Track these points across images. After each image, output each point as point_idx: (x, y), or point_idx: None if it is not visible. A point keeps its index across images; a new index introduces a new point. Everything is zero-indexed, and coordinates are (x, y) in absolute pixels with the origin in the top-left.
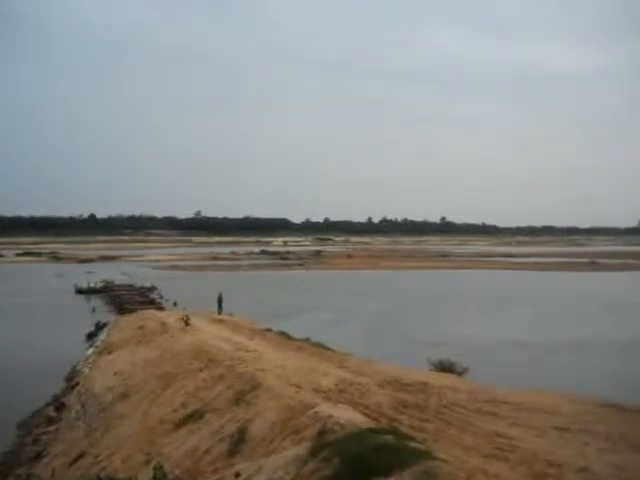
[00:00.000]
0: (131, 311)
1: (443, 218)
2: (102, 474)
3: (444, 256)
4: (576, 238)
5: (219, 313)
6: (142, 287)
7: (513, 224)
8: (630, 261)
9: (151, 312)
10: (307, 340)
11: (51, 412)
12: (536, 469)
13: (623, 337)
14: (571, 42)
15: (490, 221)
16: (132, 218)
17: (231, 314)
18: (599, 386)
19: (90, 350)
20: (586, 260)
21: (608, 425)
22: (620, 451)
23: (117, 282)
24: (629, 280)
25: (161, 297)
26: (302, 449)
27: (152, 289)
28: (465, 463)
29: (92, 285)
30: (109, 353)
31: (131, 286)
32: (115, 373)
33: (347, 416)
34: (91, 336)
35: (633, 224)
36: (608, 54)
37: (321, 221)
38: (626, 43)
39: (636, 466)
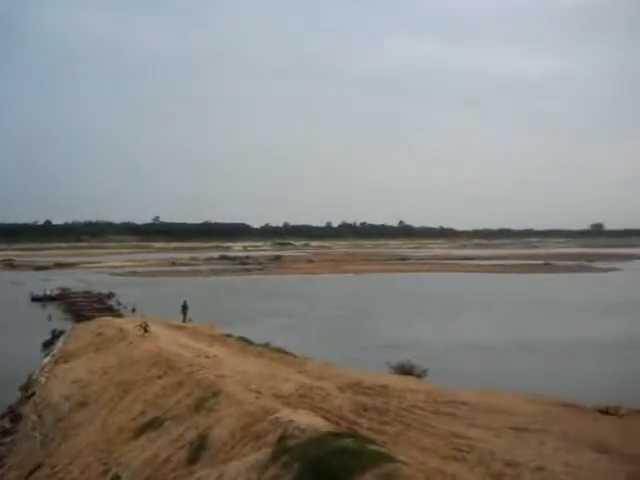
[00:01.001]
0: (88, 318)
1: (401, 222)
2: None
3: (403, 259)
4: (531, 241)
5: (184, 321)
6: (100, 294)
7: (470, 227)
8: (583, 262)
9: (109, 319)
10: (267, 345)
11: (6, 423)
12: (494, 469)
13: (569, 338)
14: (524, 49)
15: (447, 224)
16: (89, 224)
17: (190, 320)
18: (545, 385)
19: (46, 359)
20: (541, 262)
21: (564, 424)
22: (576, 450)
23: (74, 289)
24: (581, 281)
25: (119, 304)
26: (263, 455)
27: (110, 296)
28: (424, 465)
29: (48, 293)
30: (66, 361)
31: (88, 293)
32: (72, 382)
33: (308, 421)
34: (47, 345)
35: (586, 227)
36: (561, 60)
37: (280, 226)
38: (576, 50)
39: (591, 464)
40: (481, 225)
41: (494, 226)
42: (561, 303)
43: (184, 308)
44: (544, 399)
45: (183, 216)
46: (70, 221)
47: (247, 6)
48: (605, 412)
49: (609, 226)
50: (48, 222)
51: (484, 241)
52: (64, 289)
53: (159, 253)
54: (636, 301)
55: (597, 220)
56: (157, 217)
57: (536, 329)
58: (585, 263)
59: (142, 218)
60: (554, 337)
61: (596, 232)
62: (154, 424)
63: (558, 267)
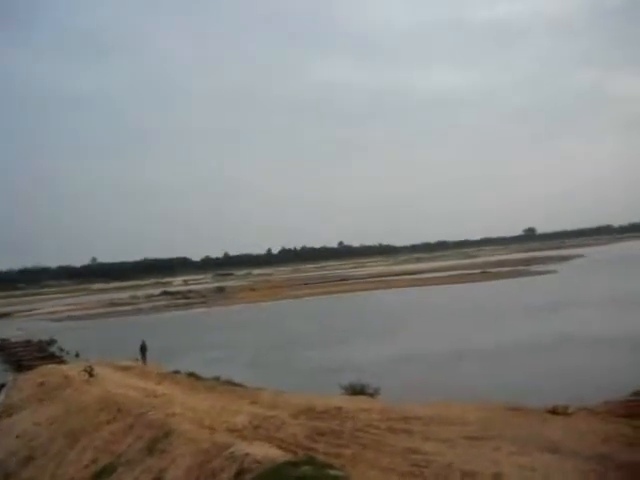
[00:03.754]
0: (30, 368)
1: (340, 242)
2: None
3: (343, 280)
4: (468, 251)
5: (143, 361)
6: (40, 341)
7: (408, 242)
8: (519, 267)
9: (52, 367)
10: (217, 379)
11: None
12: None
13: (496, 343)
14: (444, 64)
15: (386, 241)
16: (24, 271)
17: (136, 360)
18: (488, 391)
19: None
20: (478, 271)
21: (515, 429)
22: (529, 453)
23: (13, 339)
24: (516, 286)
25: (61, 350)
26: None
27: (51, 342)
28: None
29: None
30: (9, 415)
31: (28, 342)
32: (17, 436)
33: (263, 452)
34: None
35: (519, 232)
36: (479, 73)
37: (221, 257)
38: (492, 63)
39: (545, 466)
40: (419, 239)
41: (431, 239)
42: (489, 310)
43: (142, 348)
44: (493, 406)
45: (121, 254)
46: (3, 269)
47: (164, 36)
48: (554, 412)
49: (540, 230)
50: None
51: (423, 255)
52: (2, 339)
53: (98, 294)
54: (562, 302)
55: (529, 225)
56: (94, 258)
57: (462, 338)
58: (521, 268)
59: (79, 260)
60: (478, 344)
61: (529, 237)
62: (107, 471)
63: (495, 274)
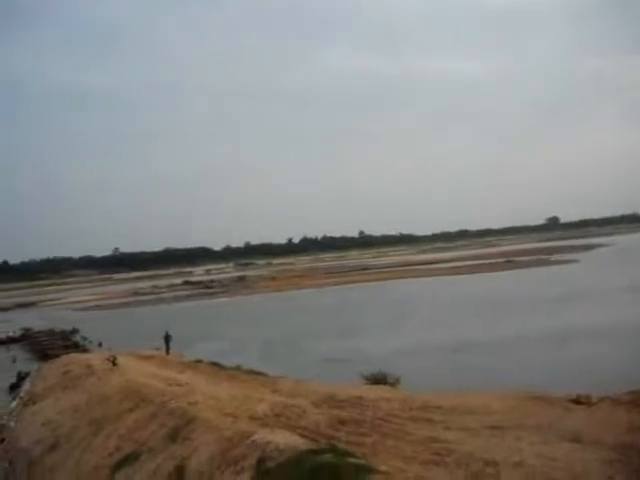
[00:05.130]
0: (54, 357)
1: (361, 232)
2: None
3: (364, 269)
4: (490, 239)
5: (167, 352)
6: (64, 331)
7: (429, 231)
8: (542, 257)
9: (75, 356)
10: (239, 368)
11: None
12: (474, 470)
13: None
14: (455, 52)
15: (407, 230)
16: (47, 261)
17: (158, 349)
18: (509, 380)
19: (14, 403)
20: (501, 260)
21: (537, 418)
22: (551, 442)
23: (37, 329)
24: (539, 276)
25: (84, 339)
26: (243, 479)
27: (74, 332)
28: (405, 472)
29: (10, 334)
30: (34, 403)
31: (52, 331)
32: (42, 424)
33: (285, 440)
34: (14, 387)
35: (542, 221)
36: (496, 61)
37: (242, 246)
38: (510, 51)
39: (567, 455)
40: (440, 228)
41: (452, 228)
42: (513, 301)
43: (166, 338)
44: (514, 395)
45: (143, 245)
46: (27, 259)
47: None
48: (576, 402)
49: (564, 219)
50: (5, 263)
51: (444, 244)
52: (27, 329)
53: (121, 284)
54: (580, 292)
55: (552, 214)
56: (116, 248)
57: (472, 330)
58: (543, 257)
59: (101, 250)
60: (495, 334)
61: (552, 226)
62: (130, 459)
63: (518, 263)
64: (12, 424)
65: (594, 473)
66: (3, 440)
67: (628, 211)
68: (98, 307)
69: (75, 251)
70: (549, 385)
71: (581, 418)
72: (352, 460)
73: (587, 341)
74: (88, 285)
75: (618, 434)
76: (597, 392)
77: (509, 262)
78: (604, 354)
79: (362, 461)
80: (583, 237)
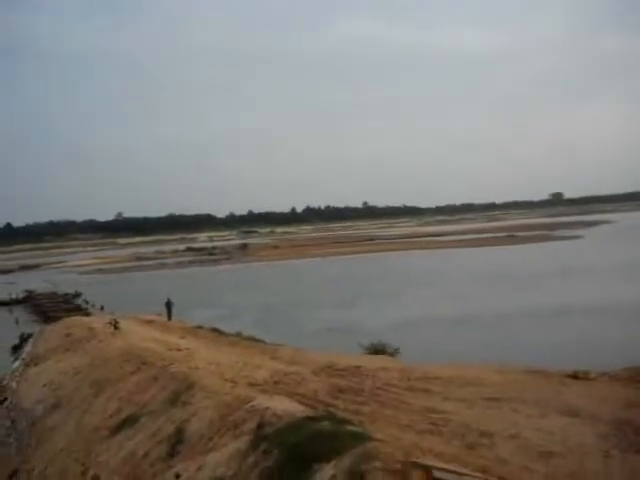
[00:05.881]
0: (56, 319)
1: (365, 203)
2: None
3: (370, 240)
4: (494, 214)
5: (169, 318)
6: (66, 294)
7: (433, 204)
8: (545, 232)
9: (77, 319)
10: (239, 334)
11: None
12: (469, 440)
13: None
14: (470, 25)
15: (411, 202)
16: (51, 224)
17: (159, 314)
18: (507, 354)
19: (16, 363)
20: (504, 234)
21: (535, 392)
22: (548, 416)
23: (40, 291)
24: (543, 250)
25: (87, 302)
26: (242, 444)
27: (77, 295)
28: (401, 441)
29: (14, 296)
30: (36, 365)
31: (55, 294)
32: (44, 385)
33: (284, 406)
34: (16, 348)
35: (546, 197)
36: (511, 34)
37: (245, 214)
38: (524, 25)
39: (563, 429)
40: (444, 201)
41: (457, 201)
42: (515, 275)
43: (168, 304)
44: (512, 368)
45: (146, 210)
46: (31, 222)
47: None
48: (574, 377)
49: (568, 195)
50: (9, 225)
51: (448, 217)
52: (30, 291)
53: (124, 249)
54: (583, 268)
55: (556, 190)
56: (120, 213)
57: (472, 303)
58: (547, 232)
59: (105, 215)
60: (495, 308)
61: (556, 201)
62: (130, 421)
63: (521, 238)
64: (14, 384)
65: (589, 447)
66: (5, 400)
67: (633, 189)
68: (101, 271)
69: (79, 215)
70: (548, 360)
71: (578, 393)
72: (350, 427)
73: (587, 317)
74: (91, 249)
75: (615, 409)
76: (596, 368)
77: (512, 237)
78: (604, 331)
79: (359, 429)
80: (587, 213)
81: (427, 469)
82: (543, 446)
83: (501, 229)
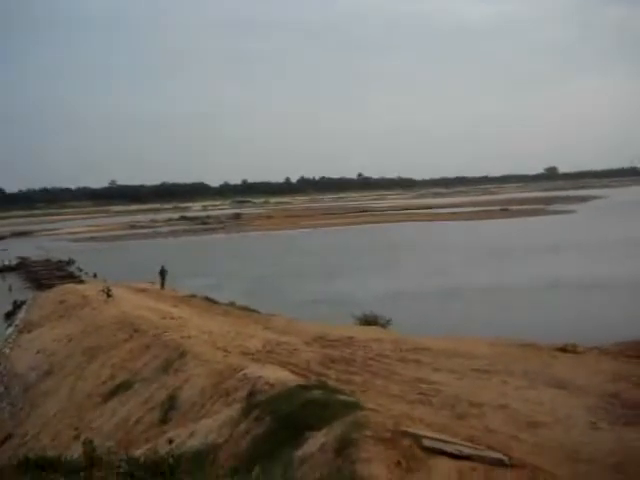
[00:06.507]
0: (50, 287)
1: (360, 174)
2: (30, 454)
3: (364, 211)
4: (488, 187)
5: (162, 286)
6: (60, 261)
7: (428, 176)
8: (539, 206)
9: (71, 286)
10: (232, 304)
11: None
12: (459, 410)
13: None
14: None
15: (406, 174)
16: (44, 191)
17: (152, 283)
18: (497, 327)
19: (10, 330)
20: (498, 208)
21: (524, 364)
22: (536, 387)
23: (33, 258)
24: (536, 224)
25: (80, 270)
26: (233, 411)
27: (70, 262)
28: (392, 411)
29: (7, 263)
30: (30, 331)
31: (48, 261)
32: (38, 351)
33: (276, 375)
34: (9, 315)
35: (540, 171)
36: (511, 5)
37: (239, 183)
38: None
39: (551, 400)
40: (438, 173)
41: (451, 174)
42: (507, 249)
43: (162, 273)
44: (503, 341)
45: (140, 179)
46: (24, 189)
47: None
48: (563, 350)
49: (563, 169)
50: (1, 191)
51: (442, 189)
52: (23, 258)
53: (118, 217)
54: (575, 243)
55: (551, 164)
56: (113, 181)
57: (469, 275)
58: (541, 206)
59: (98, 182)
60: (482, 282)
61: (551, 176)
62: (123, 388)
63: (515, 212)
64: (7, 351)
65: (577, 418)
66: None
67: (627, 164)
68: (94, 239)
69: (72, 182)
70: (538, 333)
71: (568, 366)
72: (341, 397)
73: (578, 292)
74: (85, 216)
75: (603, 382)
76: (585, 342)
77: (506, 210)
78: (595, 305)
79: (351, 398)
80: (581, 188)
81: (417, 438)
82: (531, 417)
83: (495, 202)
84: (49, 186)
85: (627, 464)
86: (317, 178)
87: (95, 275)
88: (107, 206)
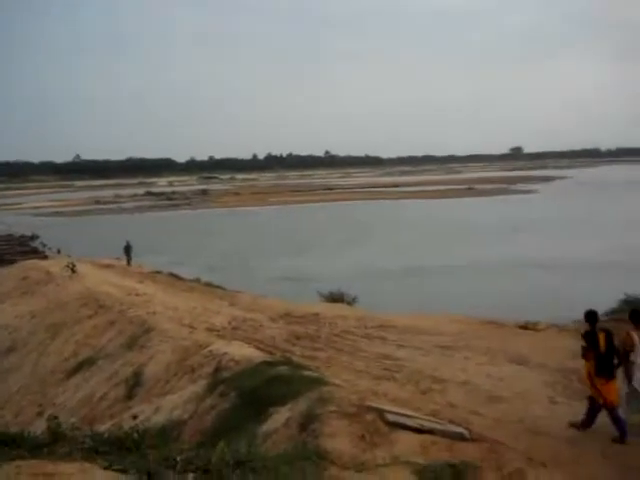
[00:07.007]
0: (12, 262)
1: (327, 152)
2: None
3: (330, 189)
4: (454, 166)
5: (128, 263)
6: (22, 236)
7: (395, 154)
8: (503, 186)
9: (34, 262)
10: (198, 280)
11: None
12: (422, 386)
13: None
14: None
15: (373, 153)
16: (6, 165)
17: (118, 259)
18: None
19: None
20: (464, 187)
21: (487, 341)
22: (498, 364)
23: None
24: (500, 204)
25: (44, 245)
26: (199, 387)
27: (33, 238)
28: (356, 386)
29: None
30: None
31: (10, 236)
32: None
33: (242, 352)
34: None
35: (506, 151)
36: None
37: (206, 159)
38: None
39: (512, 376)
40: (406, 152)
41: (418, 153)
42: (471, 228)
43: (127, 249)
44: (466, 319)
45: (105, 153)
46: None
47: None
48: (525, 328)
49: (528, 149)
50: None
51: (409, 168)
52: None
53: (82, 192)
54: (536, 223)
55: (517, 144)
56: (78, 155)
57: (428, 254)
58: (505, 186)
59: (62, 157)
60: (448, 262)
61: (515, 156)
62: (87, 364)
63: (480, 191)
64: None
65: (536, 393)
66: None
67: (590, 145)
68: (58, 214)
69: (35, 156)
70: (499, 312)
71: (528, 343)
72: (306, 373)
73: (539, 271)
74: (48, 191)
75: (562, 359)
76: (545, 320)
77: (471, 189)
78: (554, 284)
79: (316, 374)
80: (544, 168)
81: (381, 413)
82: (492, 392)
83: (461, 182)
84: (11, 159)
85: (582, 437)
86: (284, 155)
87: (59, 251)
88: (71, 181)
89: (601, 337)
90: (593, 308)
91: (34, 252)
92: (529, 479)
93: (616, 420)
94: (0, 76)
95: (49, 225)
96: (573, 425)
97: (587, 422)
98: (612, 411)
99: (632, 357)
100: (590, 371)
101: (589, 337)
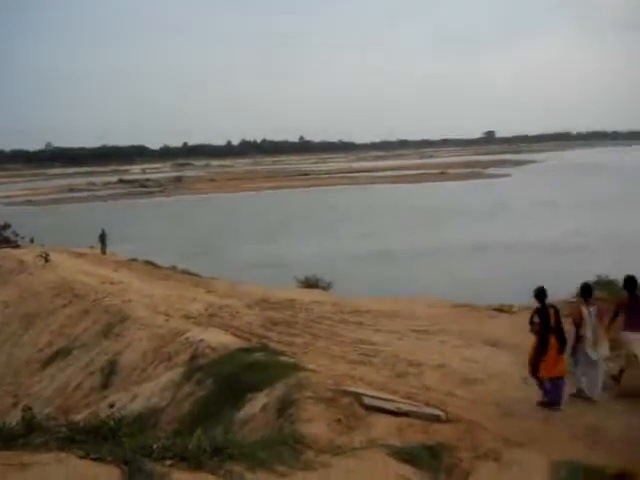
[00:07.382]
0: None
1: (302, 137)
2: None
3: (304, 175)
4: (427, 151)
5: (103, 251)
6: None
7: (369, 140)
8: (476, 170)
9: (6, 251)
10: (174, 268)
11: None
12: (398, 369)
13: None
14: None
15: (347, 138)
16: None
17: (92, 247)
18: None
19: None
20: (436, 171)
21: (462, 324)
22: (473, 346)
23: None
24: (473, 188)
25: (16, 235)
26: (175, 375)
27: (5, 227)
28: (333, 371)
29: None
30: None
31: None
32: None
33: (218, 339)
34: None
35: (478, 135)
36: None
37: (180, 146)
38: None
39: (486, 358)
40: (379, 137)
41: (392, 138)
42: (443, 212)
43: (102, 237)
44: (441, 302)
45: (77, 140)
46: None
47: None
48: (499, 310)
49: (500, 134)
50: None
51: (383, 153)
52: None
53: (55, 180)
54: (508, 206)
55: (489, 128)
56: (49, 143)
57: (400, 238)
58: (478, 170)
59: (33, 144)
60: (420, 246)
61: (488, 140)
62: (62, 354)
63: (453, 175)
64: None
65: (510, 375)
66: None
67: (561, 129)
68: (30, 202)
69: (6, 144)
70: (472, 294)
71: (502, 325)
72: (282, 358)
73: (511, 253)
74: (20, 179)
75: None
76: (517, 302)
77: (444, 174)
78: (528, 266)
79: (292, 360)
80: (517, 152)
81: (357, 397)
82: (467, 374)
83: (434, 166)
84: None
85: (554, 417)
86: (259, 141)
87: (32, 240)
88: (44, 169)
89: (551, 313)
90: (542, 285)
91: (6, 241)
92: (504, 458)
93: (545, 390)
94: None
95: (22, 214)
96: (541, 404)
97: (554, 400)
98: (540, 380)
99: (581, 331)
100: (535, 346)
101: (541, 313)
